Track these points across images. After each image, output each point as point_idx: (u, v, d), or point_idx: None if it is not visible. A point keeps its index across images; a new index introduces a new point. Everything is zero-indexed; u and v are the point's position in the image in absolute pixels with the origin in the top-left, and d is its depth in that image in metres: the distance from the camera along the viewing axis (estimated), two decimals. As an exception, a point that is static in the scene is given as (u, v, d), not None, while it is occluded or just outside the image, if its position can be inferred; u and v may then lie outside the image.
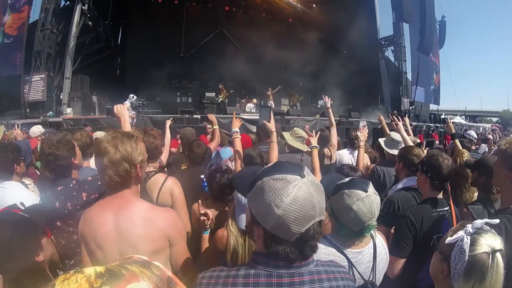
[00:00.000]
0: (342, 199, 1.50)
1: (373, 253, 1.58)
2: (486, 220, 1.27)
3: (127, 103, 6.46)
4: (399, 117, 4.12)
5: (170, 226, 1.61)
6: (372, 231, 1.58)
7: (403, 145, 3.44)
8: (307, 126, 6.55)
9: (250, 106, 14.93)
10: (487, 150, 6.37)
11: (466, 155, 3.04)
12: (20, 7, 13.46)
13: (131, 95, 7.98)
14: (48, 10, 13.08)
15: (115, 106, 2.52)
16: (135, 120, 7.32)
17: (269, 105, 14.60)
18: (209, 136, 6.05)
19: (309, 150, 3.22)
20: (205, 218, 2.03)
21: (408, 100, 18.63)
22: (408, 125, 4.95)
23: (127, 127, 2.45)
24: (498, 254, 1.17)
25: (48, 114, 12.04)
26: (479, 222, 1.25)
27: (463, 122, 30.56)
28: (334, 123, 4.46)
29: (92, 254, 1.56)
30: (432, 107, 23.83)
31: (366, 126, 4.19)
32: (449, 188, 2.33)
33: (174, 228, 1.63)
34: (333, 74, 15.75)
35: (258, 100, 17.33)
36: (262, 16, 20.11)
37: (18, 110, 13.01)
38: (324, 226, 1.10)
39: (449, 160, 2.31)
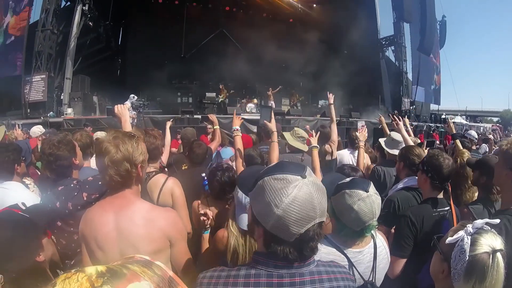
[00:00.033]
0: (343, 199, 1.51)
1: (374, 253, 1.58)
2: (487, 220, 1.27)
3: (128, 103, 6.45)
4: (399, 117, 4.11)
5: (170, 226, 1.61)
6: (372, 231, 1.58)
7: (404, 145, 3.44)
8: (307, 126, 6.55)
9: (250, 106, 14.94)
10: (487, 150, 6.36)
11: (466, 155, 3.04)
12: (21, 10, 13.50)
13: (132, 95, 7.98)
14: (48, 11, 13.09)
15: (116, 106, 2.52)
16: (135, 120, 7.31)
17: (270, 105, 14.61)
18: (209, 136, 6.06)
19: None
20: (205, 218, 2.03)
21: (408, 100, 18.61)
22: (408, 125, 4.94)
23: (127, 127, 2.45)
24: (498, 254, 1.17)
25: (48, 115, 12.05)
26: (479, 222, 1.25)
27: (464, 122, 30.52)
28: (335, 119, 4.47)
29: (93, 254, 1.56)
30: (433, 107, 23.81)
31: (365, 126, 4.18)
32: (450, 188, 2.33)
33: (174, 228, 1.63)
34: (333, 74, 15.74)
35: (258, 100, 17.32)
36: (262, 16, 20.10)
37: (19, 110, 13.02)
38: (324, 227, 1.10)
39: (450, 160, 2.31)
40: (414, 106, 19.08)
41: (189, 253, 1.73)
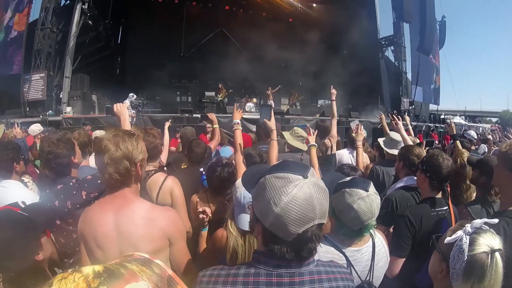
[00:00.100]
0: (343, 198, 1.51)
1: (372, 251, 1.58)
2: (485, 219, 1.27)
3: (127, 102, 6.44)
4: (399, 117, 4.11)
5: (170, 226, 1.61)
6: (371, 230, 1.58)
7: (403, 145, 3.45)
8: (308, 124, 6.55)
9: (250, 105, 14.93)
10: (486, 151, 6.36)
11: (466, 155, 3.04)
12: (24, 7, 13.50)
13: (131, 94, 7.97)
14: (48, 9, 13.07)
15: (115, 105, 2.52)
16: (134, 119, 7.30)
17: (269, 104, 14.60)
18: (208, 136, 6.06)
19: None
20: (204, 216, 2.03)
21: (408, 100, 18.64)
22: (408, 123, 4.95)
23: (127, 126, 2.44)
24: (497, 254, 1.17)
25: (47, 113, 12.03)
26: (478, 221, 1.25)
27: (463, 122, 30.57)
28: (336, 115, 4.47)
29: (92, 253, 1.56)
30: (432, 107, 23.85)
31: (359, 124, 4.15)
32: (449, 189, 2.34)
33: (174, 228, 1.63)
34: (333, 73, 15.72)
35: (258, 100, 17.32)
36: (262, 16, 20.09)
37: (18, 109, 13.00)
38: (323, 226, 1.10)
39: (449, 160, 2.31)
40: (413, 106, 19.10)
41: (189, 253, 1.73)
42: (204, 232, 2.13)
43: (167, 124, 4.58)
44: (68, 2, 14.82)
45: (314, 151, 3.14)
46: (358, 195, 1.49)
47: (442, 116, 22.42)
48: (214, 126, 4.55)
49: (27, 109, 12.64)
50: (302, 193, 0.98)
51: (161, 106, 15.23)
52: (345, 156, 4.47)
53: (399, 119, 3.94)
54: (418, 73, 18.74)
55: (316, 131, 3.45)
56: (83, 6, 13.82)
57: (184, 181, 2.78)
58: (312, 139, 3.23)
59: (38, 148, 4.27)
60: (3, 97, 13.97)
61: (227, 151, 4.47)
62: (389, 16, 18.89)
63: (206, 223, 2.09)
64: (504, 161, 1.92)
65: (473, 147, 6.18)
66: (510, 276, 1.22)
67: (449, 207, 2.25)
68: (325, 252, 1.47)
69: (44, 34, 13.01)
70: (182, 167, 3.84)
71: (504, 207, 1.91)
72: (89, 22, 14.39)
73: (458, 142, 3.93)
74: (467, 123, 30.80)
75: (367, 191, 1.50)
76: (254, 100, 16.76)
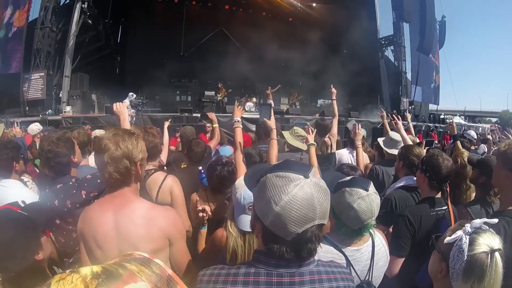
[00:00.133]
0: (343, 197, 1.52)
1: (372, 251, 1.58)
2: (485, 219, 1.27)
3: (127, 101, 6.43)
4: (399, 116, 4.11)
5: (170, 226, 1.61)
6: (371, 230, 1.58)
7: (402, 145, 3.45)
8: (308, 123, 6.54)
9: (249, 105, 14.93)
10: (486, 151, 6.36)
11: (466, 154, 3.04)
12: (24, 5, 13.50)
13: (131, 93, 7.96)
14: (48, 8, 13.07)
15: (115, 104, 2.51)
16: (134, 119, 7.30)
17: (269, 103, 14.59)
18: (208, 135, 6.06)
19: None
20: (204, 214, 2.02)
21: (407, 100, 18.65)
22: (410, 121, 4.94)
23: (126, 125, 2.44)
24: (496, 254, 1.17)
25: (47, 112, 12.03)
26: (477, 221, 1.25)
27: (463, 122, 30.61)
28: (337, 114, 4.48)
29: (91, 253, 1.55)
30: (432, 107, 23.89)
31: (356, 124, 4.14)
32: (448, 189, 2.33)
33: (174, 228, 1.63)
34: (332, 73, 15.71)
35: (257, 99, 17.33)
36: (262, 15, 20.07)
37: (18, 108, 13.00)
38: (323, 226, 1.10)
39: (449, 161, 2.30)
40: (413, 106, 19.11)
41: (189, 252, 1.73)
42: (204, 231, 2.13)
43: (167, 124, 4.58)
44: (67, 1, 14.86)
45: (313, 150, 3.14)
46: (358, 195, 1.49)
47: (442, 116, 22.46)
48: (214, 125, 4.55)
49: (27, 108, 12.64)
50: (302, 193, 0.97)
51: (160, 106, 15.25)
52: (345, 155, 4.47)
53: (399, 119, 3.94)
54: (418, 73, 18.76)
55: (315, 130, 3.45)
56: (83, 5, 13.82)
57: (184, 181, 2.78)
58: (311, 138, 3.23)
59: (37, 147, 4.26)
60: (2, 96, 13.97)
61: (226, 151, 4.47)
62: (389, 16, 18.95)
63: (205, 222, 2.09)
64: (503, 161, 1.92)
65: (472, 147, 6.18)
66: (510, 276, 1.22)
67: (448, 207, 2.26)
68: (325, 252, 1.47)
69: (44, 33, 13.00)
70: (182, 166, 3.84)
71: (504, 207, 1.92)
72: (89, 21, 14.39)
73: (458, 142, 3.94)
74: (466, 123, 30.85)
75: (367, 190, 1.51)
76: (254, 99, 16.78)
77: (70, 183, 2.18)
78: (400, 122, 3.87)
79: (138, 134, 1.64)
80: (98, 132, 4.82)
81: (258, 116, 3.40)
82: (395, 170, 3.10)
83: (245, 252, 1.77)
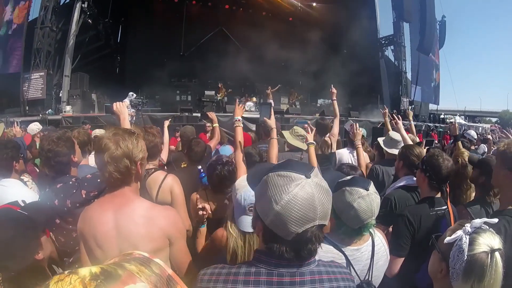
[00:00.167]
0: (343, 196, 1.52)
1: (372, 250, 1.58)
2: (485, 219, 1.27)
3: (127, 101, 6.45)
4: (399, 116, 4.11)
5: (170, 225, 1.60)
6: (371, 230, 1.58)
7: (402, 145, 3.45)
8: (309, 121, 6.53)
9: (249, 104, 14.92)
10: (486, 151, 6.36)
11: (466, 154, 3.04)
12: (25, 1, 13.50)
13: (131, 93, 7.98)
14: (48, 8, 13.08)
15: (115, 104, 2.51)
16: (134, 118, 7.30)
17: (269, 102, 14.59)
18: (208, 134, 6.05)
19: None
20: (204, 213, 2.02)
21: (407, 99, 18.66)
22: (411, 119, 4.93)
23: (126, 125, 2.43)
24: (497, 254, 1.17)
25: (47, 112, 12.03)
26: (477, 221, 1.25)
27: (463, 122, 30.57)
28: (338, 114, 4.48)
29: (91, 252, 1.55)
30: (432, 106, 23.90)
31: (354, 124, 4.12)
32: (448, 189, 2.33)
33: (174, 227, 1.62)
34: (333, 73, 15.71)
35: (257, 99, 17.33)
36: (262, 15, 20.08)
37: (18, 108, 13.01)
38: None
39: (450, 161, 2.30)
40: (413, 106, 19.11)
41: (189, 252, 1.73)
42: (203, 229, 2.13)
43: (167, 123, 4.58)
44: (67, 0, 14.88)
45: (312, 149, 3.14)
46: (358, 194, 1.49)
47: (442, 116, 22.45)
48: (214, 125, 4.55)
49: (27, 108, 12.66)
50: (303, 193, 0.97)
51: (160, 105, 15.25)
52: (345, 155, 4.47)
53: (399, 119, 3.94)
54: (418, 73, 18.76)
55: (314, 129, 3.44)
56: (83, 5, 13.83)
57: (184, 180, 2.77)
58: (311, 137, 3.22)
59: (37, 147, 4.26)
60: (2, 96, 13.98)
61: (226, 150, 4.47)
62: (389, 15, 18.97)
63: (205, 220, 2.09)
64: (502, 160, 1.91)
65: (472, 147, 6.18)
66: (510, 276, 1.22)
67: (448, 207, 2.25)
68: (325, 251, 1.47)
69: (44, 32, 13.01)
70: (182, 166, 3.84)
71: (504, 206, 1.91)
72: (89, 20, 14.40)
73: (459, 143, 3.93)
74: (466, 123, 30.82)
75: (367, 190, 1.51)
76: (254, 99, 16.78)
77: (70, 182, 2.18)
78: (400, 122, 3.87)
79: (138, 133, 1.64)
80: (98, 132, 4.83)
81: (258, 116, 3.40)
82: (395, 169, 3.10)
83: (245, 253, 1.77)
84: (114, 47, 19.00)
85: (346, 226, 1.54)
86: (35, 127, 5.83)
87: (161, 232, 1.56)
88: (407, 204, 2.51)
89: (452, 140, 5.01)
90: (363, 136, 4.48)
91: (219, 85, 16.24)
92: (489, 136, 7.42)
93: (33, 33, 12.95)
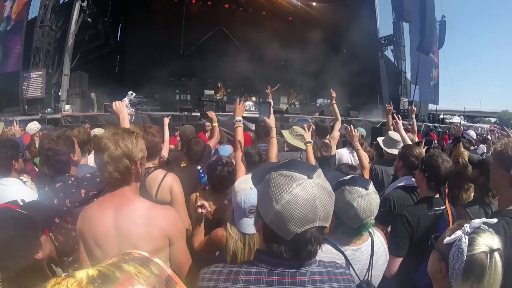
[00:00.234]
0: (343, 195, 1.52)
1: (371, 250, 1.58)
2: (484, 219, 1.27)
3: (126, 100, 6.42)
4: (399, 116, 4.12)
5: (170, 225, 1.60)
6: (370, 229, 1.58)
7: (402, 145, 3.45)
8: (309, 120, 6.52)
9: (249, 104, 14.90)
10: (485, 151, 6.36)
11: (466, 154, 3.04)
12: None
13: (130, 92, 7.95)
14: (47, 7, 13.05)
15: (114, 103, 2.50)
16: (133, 117, 7.28)
17: (269, 101, 14.56)
18: (207, 134, 6.06)
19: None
20: (203, 211, 2.02)
21: (407, 99, 18.66)
22: (413, 116, 4.93)
23: (126, 124, 2.43)
24: (496, 254, 1.17)
25: (46, 111, 12.02)
26: (477, 221, 1.25)
27: (462, 122, 30.59)
28: (339, 117, 4.48)
29: (91, 252, 1.55)
30: (431, 106, 23.90)
31: (348, 127, 4.08)
32: (446, 190, 2.33)
33: (174, 227, 1.62)
34: (332, 73, 15.72)
35: (257, 98, 17.31)
36: (262, 14, 20.06)
37: (17, 107, 12.99)
38: None
39: (449, 162, 2.29)
40: (413, 105, 19.06)
41: (189, 252, 1.72)
42: (201, 227, 2.12)
43: (167, 120, 4.57)
44: (67, -1, 14.81)
45: (310, 148, 3.13)
46: (357, 193, 1.50)
47: (441, 116, 22.46)
48: (214, 124, 4.55)
49: (26, 107, 12.64)
50: (304, 193, 0.97)
51: (160, 104, 15.22)
52: (345, 155, 4.48)
53: (399, 119, 3.94)
54: (418, 73, 18.76)
55: (311, 128, 3.44)
56: (82, 4, 13.82)
57: (184, 180, 2.77)
58: (308, 136, 3.22)
59: (37, 146, 4.25)
60: (2, 95, 13.93)
61: (226, 150, 4.47)
62: (389, 15, 18.97)
63: (203, 217, 2.08)
64: (499, 160, 1.90)
65: (472, 147, 6.18)
66: (509, 276, 1.23)
67: (446, 206, 2.26)
68: (324, 252, 1.47)
69: (43, 31, 12.99)
70: (182, 165, 3.83)
71: (502, 207, 1.91)
72: (88, 19, 14.39)
73: (460, 144, 3.93)
74: (466, 123, 30.83)
75: (367, 189, 1.51)
76: (253, 98, 16.75)
77: (70, 181, 2.17)
78: (400, 122, 3.87)
79: (137, 133, 1.64)
80: (97, 131, 4.81)
81: (257, 115, 3.40)
82: (395, 169, 3.11)
83: (245, 254, 1.77)
84: (114, 46, 18.97)
85: (345, 225, 1.54)
86: (34, 126, 5.81)
87: (161, 232, 1.56)
88: (405, 204, 2.52)
89: (451, 140, 5.01)
90: (362, 136, 4.49)
91: (219, 85, 16.22)
92: (489, 137, 7.42)
93: (33, 31, 12.93)
